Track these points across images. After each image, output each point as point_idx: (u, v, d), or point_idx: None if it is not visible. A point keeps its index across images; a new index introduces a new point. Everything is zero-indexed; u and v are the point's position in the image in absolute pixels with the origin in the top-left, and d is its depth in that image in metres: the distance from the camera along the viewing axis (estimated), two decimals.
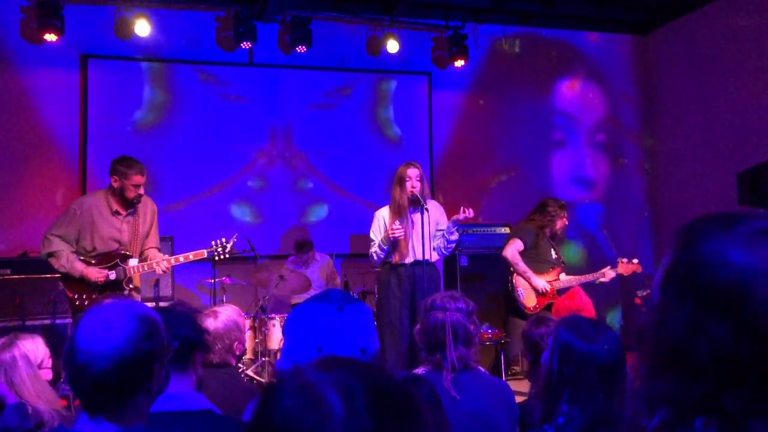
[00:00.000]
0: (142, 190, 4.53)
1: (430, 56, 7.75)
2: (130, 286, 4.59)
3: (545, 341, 2.42)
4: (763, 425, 0.77)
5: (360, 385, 0.72)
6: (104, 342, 1.45)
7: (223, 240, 4.88)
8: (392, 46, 7.42)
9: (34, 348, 2.59)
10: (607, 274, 5.48)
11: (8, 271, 5.73)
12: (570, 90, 8.39)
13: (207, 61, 7.18)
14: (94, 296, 4.41)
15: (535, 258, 5.46)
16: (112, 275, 4.48)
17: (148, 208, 4.72)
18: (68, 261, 4.41)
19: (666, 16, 8.04)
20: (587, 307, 4.93)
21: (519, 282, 5.45)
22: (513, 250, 5.48)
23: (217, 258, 4.90)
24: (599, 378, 1.89)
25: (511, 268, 5.50)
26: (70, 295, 4.45)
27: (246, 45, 6.93)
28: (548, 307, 5.24)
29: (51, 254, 4.45)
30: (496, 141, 8.10)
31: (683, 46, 7.91)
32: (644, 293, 5.80)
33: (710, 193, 7.21)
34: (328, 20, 7.40)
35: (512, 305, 5.61)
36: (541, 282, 5.38)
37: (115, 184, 4.49)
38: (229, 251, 4.88)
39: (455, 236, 4.89)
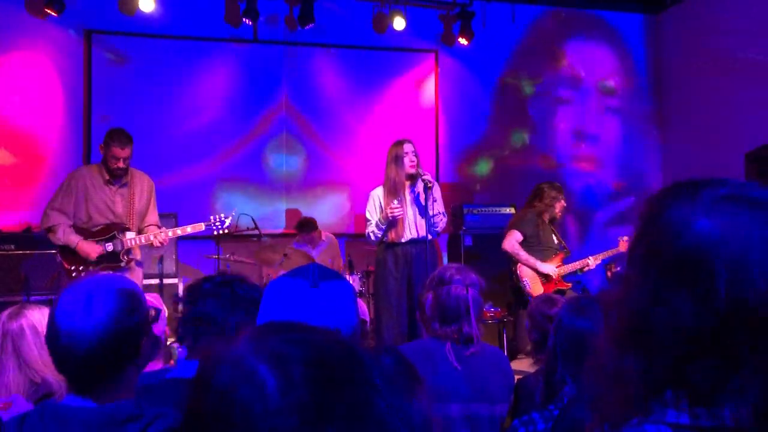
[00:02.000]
0: (122, 164, 4.50)
1: (436, 34, 7.68)
2: (127, 257, 4.59)
3: (553, 321, 2.41)
4: (730, 395, 0.75)
5: (296, 353, 0.66)
6: (87, 321, 1.40)
7: (222, 215, 4.91)
8: (399, 23, 7.34)
9: (42, 318, 2.59)
10: (590, 263, 5.42)
11: (12, 247, 5.74)
12: (581, 65, 8.29)
13: (212, 38, 7.12)
14: (91, 268, 4.43)
15: (536, 246, 5.36)
16: (109, 247, 4.50)
17: (144, 184, 4.73)
18: (64, 234, 4.44)
19: None
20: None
21: (524, 272, 5.35)
22: (512, 241, 5.36)
23: (216, 232, 4.92)
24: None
25: (514, 259, 5.39)
26: (68, 267, 4.47)
27: (250, 21, 6.87)
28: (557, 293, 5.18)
29: (49, 229, 4.48)
30: (503, 117, 8.02)
31: (694, 24, 7.80)
32: (616, 268, 5.69)
33: (718, 173, 7.12)
34: None
35: (520, 297, 5.49)
36: (549, 266, 5.31)
37: (101, 152, 4.55)
38: (227, 226, 4.90)
39: (433, 211, 4.77)
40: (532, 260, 5.30)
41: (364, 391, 0.66)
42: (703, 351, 0.76)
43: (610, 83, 8.41)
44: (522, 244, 5.38)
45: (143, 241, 4.58)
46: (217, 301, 1.88)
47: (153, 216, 4.77)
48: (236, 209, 5.15)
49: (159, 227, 4.75)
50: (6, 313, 2.51)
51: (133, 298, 1.48)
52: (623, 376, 0.81)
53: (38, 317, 2.53)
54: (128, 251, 4.58)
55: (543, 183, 5.67)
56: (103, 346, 1.40)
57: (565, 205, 5.61)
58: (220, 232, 4.94)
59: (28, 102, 6.56)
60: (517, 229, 5.41)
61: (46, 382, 2.42)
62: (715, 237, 0.76)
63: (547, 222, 5.49)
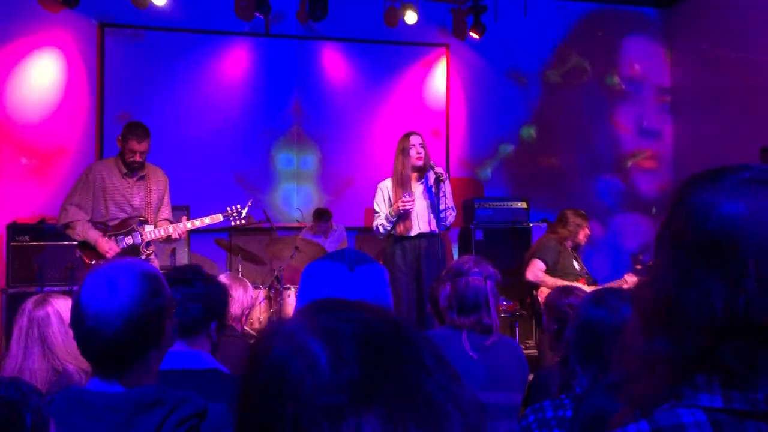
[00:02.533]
0: (138, 158, 4.51)
1: (448, 28, 7.67)
2: (147, 250, 4.61)
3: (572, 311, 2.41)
4: (763, 376, 0.76)
5: (347, 328, 0.66)
6: (112, 304, 1.42)
7: (238, 206, 4.91)
8: (410, 17, 7.33)
9: (66, 307, 2.61)
10: (629, 280, 5.31)
11: (27, 238, 5.78)
12: (590, 61, 8.26)
13: (224, 31, 7.14)
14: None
15: (556, 273, 5.28)
16: (128, 240, 4.52)
17: (160, 178, 4.74)
18: (84, 229, 4.44)
19: None
20: None
21: (545, 295, 5.29)
22: (535, 271, 5.26)
23: (233, 223, 4.92)
24: (604, 347, 1.87)
25: (540, 286, 5.28)
26: (88, 261, 4.48)
27: (262, 15, 6.88)
28: None
29: (67, 225, 4.48)
30: (515, 112, 8.01)
31: (706, 17, 7.75)
32: (643, 257, 5.65)
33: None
34: None
35: (540, 319, 5.40)
36: (576, 285, 5.23)
37: (118, 146, 4.56)
38: (244, 216, 4.91)
39: (442, 205, 4.72)
40: (559, 282, 5.11)
41: (414, 370, 0.66)
42: (735, 332, 0.77)
43: (621, 78, 8.37)
44: (545, 272, 5.30)
45: (162, 233, 4.58)
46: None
47: (166, 211, 4.77)
48: (251, 200, 5.13)
49: (171, 222, 4.76)
50: (31, 300, 2.53)
51: (156, 281, 1.50)
52: (654, 360, 0.82)
53: (63, 305, 2.55)
54: (148, 244, 4.60)
55: (568, 209, 5.59)
56: (128, 327, 1.42)
57: (589, 233, 5.52)
58: (238, 222, 4.94)
59: (43, 96, 6.59)
60: (539, 258, 5.31)
61: (68, 373, 2.44)
62: (741, 218, 0.78)
63: (569, 249, 5.43)
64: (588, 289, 5.13)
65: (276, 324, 0.71)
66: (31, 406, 1.26)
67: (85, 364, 2.60)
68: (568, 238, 5.40)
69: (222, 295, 2.18)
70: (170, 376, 1.79)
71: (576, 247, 5.50)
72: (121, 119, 6.38)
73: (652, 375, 0.82)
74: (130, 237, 4.52)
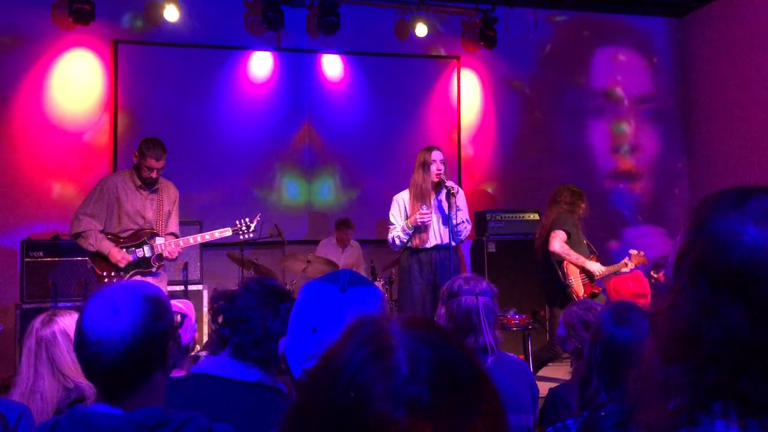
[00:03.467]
0: (155, 174, 4.56)
1: (459, 40, 7.68)
2: (158, 263, 4.63)
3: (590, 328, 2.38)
4: None
5: (427, 350, 0.68)
6: (114, 328, 1.41)
7: (247, 220, 4.94)
8: (421, 29, 7.36)
9: (73, 323, 2.61)
10: (629, 265, 5.32)
11: (41, 254, 5.83)
12: (605, 71, 8.24)
13: (235, 46, 7.19)
14: (122, 274, 4.46)
15: (576, 246, 5.26)
16: (140, 252, 4.54)
17: (171, 192, 4.77)
18: (96, 240, 4.46)
19: None
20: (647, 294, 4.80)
21: (571, 270, 5.25)
22: (559, 242, 5.21)
23: (242, 237, 4.95)
24: (624, 365, 1.84)
25: (564, 259, 5.26)
26: (99, 272, 4.49)
27: (274, 30, 6.93)
28: (591, 297, 5.09)
29: (79, 234, 4.50)
30: (526, 124, 7.99)
31: (719, 28, 7.72)
32: (658, 274, 5.58)
33: (748, 177, 7.05)
34: (356, 4, 7.36)
35: (560, 295, 5.30)
36: (596, 265, 5.22)
37: (134, 160, 4.59)
38: (253, 230, 4.93)
39: (456, 220, 4.72)
40: (582, 259, 5.21)
41: (472, 404, 0.67)
42: (757, 361, 0.75)
43: (637, 91, 8.33)
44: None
45: (173, 246, 4.60)
46: (250, 295, 1.93)
47: (173, 225, 4.78)
48: (260, 214, 5.15)
49: (176, 236, 4.77)
50: (38, 320, 2.54)
51: (158, 303, 1.49)
52: (670, 386, 0.81)
53: (69, 323, 2.55)
54: (159, 256, 4.62)
55: (562, 186, 5.58)
56: (130, 351, 1.41)
57: (585, 207, 5.50)
58: (247, 236, 4.96)
59: (57, 113, 6.66)
60: (560, 229, 5.27)
61: (78, 387, 2.44)
62: (765, 247, 0.75)
63: (578, 223, 5.43)
64: (600, 300, 5.14)
65: (366, 326, 0.72)
66: None
67: None
68: (574, 212, 5.36)
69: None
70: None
71: (582, 218, 5.47)
72: (133, 134, 6.43)
73: (667, 401, 0.81)
74: (141, 249, 4.54)
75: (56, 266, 5.80)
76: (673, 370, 0.80)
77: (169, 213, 4.73)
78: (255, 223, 4.94)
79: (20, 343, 5.25)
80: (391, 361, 0.66)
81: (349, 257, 6.83)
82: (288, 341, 1.38)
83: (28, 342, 2.48)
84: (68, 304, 5.50)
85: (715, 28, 7.80)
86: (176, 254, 4.65)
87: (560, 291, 5.31)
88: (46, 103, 6.63)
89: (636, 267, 5.35)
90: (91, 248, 4.48)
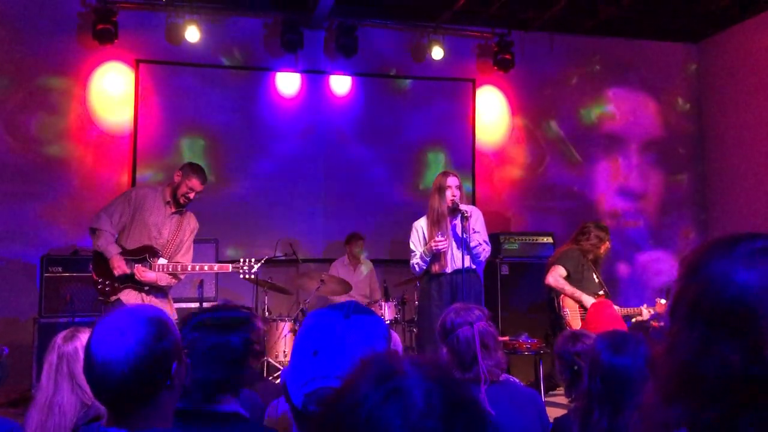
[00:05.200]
0: (192, 196, 4.62)
1: (475, 63, 7.75)
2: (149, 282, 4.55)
3: (582, 358, 2.39)
4: None
5: (442, 390, 0.73)
6: (119, 350, 1.47)
7: (252, 260, 4.83)
8: (437, 52, 7.44)
9: None
10: (644, 312, 5.36)
11: (60, 269, 5.92)
12: (620, 99, 8.26)
13: (254, 67, 7.30)
14: (116, 285, 4.48)
15: (578, 284, 5.34)
16: (131, 266, 4.49)
17: (192, 221, 4.78)
18: (106, 241, 4.49)
19: (718, 24, 7.86)
20: (617, 320, 4.84)
21: (567, 303, 5.34)
22: (555, 276, 5.36)
23: (241, 276, 4.87)
24: (626, 393, 1.86)
25: (560, 293, 5.38)
26: (96, 278, 4.51)
27: (293, 51, 7.04)
28: None
29: (94, 230, 4.54)
30: (541, 149, 8.03)
31: (735, 54, 7.73)
32: (659, 323, 5.63)
33: (762, 203, 7.03)
34: (374, 27, 7.46)
35: (559, 329, 5.45)
36: (593, 300, 5.29)
37: (176, 179, 4.64)
38: (255, 271, 4.83)
39: (474, 242, 4.74)
40: (578, 293, 5.29)
41: None
42: (754, 400, 0.78)
43: (650, 120, 8.35)
44: (565, 279, 5.38)
45: (170, 269, 4.57)
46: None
47: (188, 257, 4.74)
48: (266, 257, 5.05)
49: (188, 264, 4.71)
50: (61, 335, 2.59)
51: (161, 324, 1.54)
52: (671, 426, 0.83)
53: None
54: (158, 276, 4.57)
55: (590, 222, 5.65)
56: (134, 372, 1.46)
57: (609, 246, 5.56)
58: (248, 276, 4.91)
59: (78, 130, 6.80)
60: (560, 265, 5.41)
61: (95, 406, 2.49)
62: (758, 287, 0.80)
63: (590, 261, 5.46)
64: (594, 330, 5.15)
65: (375, 360, 0.77)
66: None
67: None
68: (590, 250, 5.42)
69: None
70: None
71: (596, 261, 5.49)
72: (153, 153, 6.54)
73: None
74: (138, 265, 4.52)
75: (74, 281, 5.89)
76: (674, 409, 0.83)
77: (182, 242, 4.68)
78: (259, 265, 4.84)
79: (38, 356, 5.35)
80: (408, 399, 0.71)
81: (360, 274, 6.88)
82: (289, 368, 1.41)
83: (50, 356, 2.53)
84: (86, 319, 5.57)
85: (730, 54, 7.81)
86: (160, 280, 4.54)
87: (557, 322, 5.40)
88: (70, 120, 6.77)
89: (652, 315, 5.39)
90: (98, 248, 4.50)
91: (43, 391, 2.48)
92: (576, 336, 2.63)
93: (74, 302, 5.76)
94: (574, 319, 5.25)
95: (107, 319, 1.54)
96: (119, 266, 4.45)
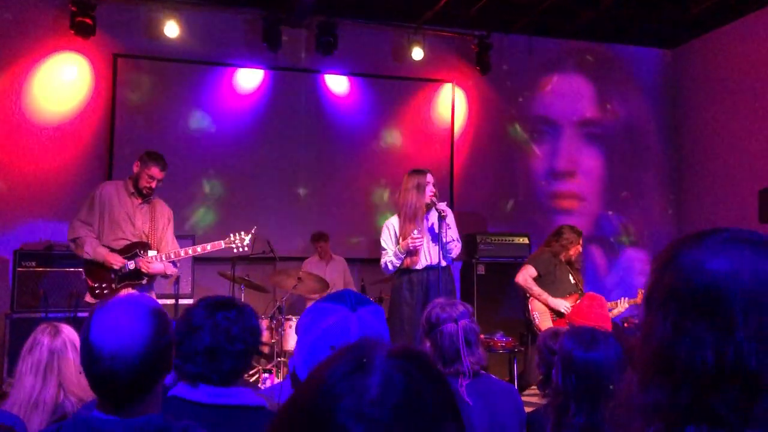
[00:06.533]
0: (154, 185, 4.61)
1: (454, 64, 7.79)
2: (148, 276, 4.62)
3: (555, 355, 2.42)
4: (753, 423, 0.80)
5: (404, 382, 0.73)
6: (128, 343, 1.46)
7: (242, 233, 4.92)
8: (417, 53, 7.47)
9: (76, 335, 2.62)
10: (621, 305, 5.51)
11: (33, 264, 5.85)
12: (597, 101, 8.36)
13: (233, 64, 7.27)
14: (114, 286, 4.46)
15: (551, 284, 5.47)
16: (131, 265, 4.53)
17: (164, 210, 4.80)
18: (91, 247, 4.47)
19: (695, 31, 7.98)
20: (604, 318, 4.92)
21: (535, 306, 5.47)
22: (525, 275, 5.50)
23: (235, 250, 4.91)
24: (602, 387, 1.90)
25: (527, 293, 5.51)
26: (91, 284, 4.49)
27: (273, 48, 7.02)
28: None
29: (74, 240, 4.52)
30: (519, 150, 8.09)
31: (711, 60, 7.86)
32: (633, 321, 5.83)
33: (733, 209, 7.15)
34: (354, 26, 7.47)
35: (531, 331, 5.58)
36: (561, 302, 5.37)
37: (135, 169, 4.63)
38: (247, 244, 4.89)
39: (447, 238, 4.78)
40: (544, 295, 5.41)
41: None
42: (726, 381, 0.81)
43: (627, 120, 8.46)
44: (536, 280, 5.50)
45: (164, 258, 4.61)
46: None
47: (172, 245, 4.78)
48: (255, 227, 5.10)
49: (176, 249, 4.78)
50: (45, 332, 2.52)
51: (163, 317, 1.56)
52: (648, 411, 0.87)
53: (73, 334, 2.57)
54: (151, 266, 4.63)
55: (564, 225, 5.82)
56: (145, 366, 1.46)
57: (581, 250, 5.73)
58: (241, 250, 4.94)
59: (53, 123, 6.72)
60: (531, 265, 5.55)
61: (63, 407, 2.44)
62: (727, 272, 0.84)
63: (563, 262, 5.56)
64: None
65: (354, 348, 0.78)
66: None
67: (88, 396, 2.61)
68: (560, 252, 5.54)
69: None
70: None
71: (570, 263, 5.60)
72: (129, 147, 6.48)
73: (647, 425, 0.87)
74: (132, 262, 4.55)
75: (48, 276, 5.82)
76: (651, 393, 0.86)
77: (164, 230, 4.72)
78: (249, 236, 4.91)
79: (10, 352, 5.26)
80: (365, 381, 0.72)
81: (333, 271, 6.89)
82: (304, 360, 1.44)
83: (38, 352, 2.47)
84: (59, 315, 5.51)
85: (706, 61, 7.94)
86: (167, 269, 4.63)
87: (529, 325, 5.56)
88: (42, 114, 6.69)
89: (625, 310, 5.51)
90: (86, 255, 4.47)
91: (27, 389, 2.43)
92: (556, 333, 2.67)
93: (48, 297, 5.69)
94: (543, 321, 5.34)
95: (107, 309, 1.52)
96: (117, 260, 4.45)
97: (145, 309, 1.52)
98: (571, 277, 5.55)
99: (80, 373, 2.51)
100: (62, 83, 6.76)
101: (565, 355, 1.97)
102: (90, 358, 1.47)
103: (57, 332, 2.50)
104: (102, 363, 1.45)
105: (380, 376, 0.72)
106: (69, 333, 2.54)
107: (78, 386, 2.46)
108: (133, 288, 4.49)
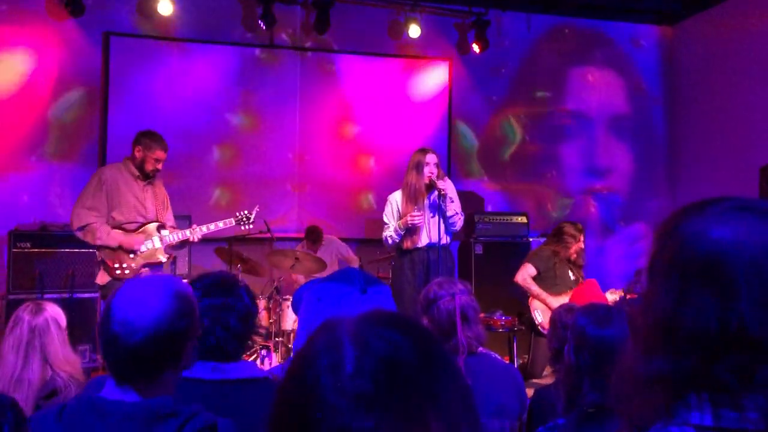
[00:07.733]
0: (160, 166, 4.58)
1: (452, 42, 7.72)
2: (168, 254, 4.65)
3: (567, 331, 2.40)
4: (755, 390, 0.80)
5: (378, 345, 0.71)
6: (141, 315, 1.46)
7: (246, 212, 5.02)
8: (414, 30, 7.39)
9: (60, 313, 2.61)
10: (616, 292, 5.47)
11: (28, 245, 5.79)
12: (593, 79, 8.31)
13: (228, 42, 7.18)
14: (133, 265, 4.40)
15: (551, 281, 5.47)
16: (150, 244, 4.51)
17: (161, 186, 4.79)
18: (104, 233, 4.37)
19: (694, 7, 7.92)
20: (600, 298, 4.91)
21: (535, 304, 5.48)
22: (524, 274, 5.51)
23: (243, 227, 5.06)
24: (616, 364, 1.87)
25: (527, 293, 5.52)
26: (110, 264, 4.37)
27: (267, 26, 6.93)
28: None
29: (83, 228, 4.40)
30: (517, 128, 8.05)
31: (711, 37, 7.81)
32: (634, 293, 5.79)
33: (733, 186, 7.14)
34: (350, 3, 7.37)
35: (534, 328, 5.57)
36: (558, 301, 5.36)
37: (138, 154, 4.53)
38: (253, 221, 5.03)
39: (451, 212, 4.79)
40: (543, 295, 5.42)
41: (423, 403, 0.70)
42: (729, 348, 0.81)
43: (622, 101, 8.42)
44: (536, 278, 5.50)
45: (180, 237, 4.60)
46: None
47: (171, 217, 4.83)
48: (258, 205, 5.20)
49: (176, 228, 4.77)
50: (26, 309, 2.52)
51: (187, 302, 1.53)
52: (651, 380, 0.86)
53: (57, 311, 2.56)
54: (169, 247, 4.64)
55: (565, 222, 5.79)
56: (150, 341, 1.45)
57: (582, 246, 5.66)
58: (248, 227, 5.07)
59: (46, 103, 6.62)
60: (530, 263, 5.54)
61: (54, 382, 2.43)
62: (730, 241, 0.84)
63: (564, 260, 5.54)
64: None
65: (332, 323, 0.76)
66: (9, 418, 1.37)
67: (78, 372, 2.59)
68: (560, 250, 5.53)
69: None
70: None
71: (570, 259, 5.58)
72: (123, 126, 6.40)
73: (649, 394, 0.86)
74: (150, 241, 4.52)
75: (43, 257, 5.77)
76: (654, 362, 0.86)
77: (165, 206, 4.73)
78: (254, 214, 5.03)
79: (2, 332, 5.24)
80: (340, 356, 0.70)
81: (325, 251, 6.85)
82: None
83: (18, 330, 2.47)
84: (55, 296, 5.48)
85: (706, 37, 7.89)
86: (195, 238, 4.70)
87: (532, 322, 5.57)
88: (34, 91, 6.59)
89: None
90: (99, 242, 4.37)
91: (9, 366, 2.42)
92: (572, 308, 2.65)
93: (43, 278, 5.64)
94: (546, 317, 5.32)
95: (136, 281, 1.57)
96: (137, 242, 4.43)
97: (171, 289, 1.52)
98: (571, 274, 5.53)
99: (64, 349, 2.51)
100: (55, 64, 6.65)
101: (578, 332, 1.94)
102: (105, 319, 1.49)
103: (39, 310, 2.48)
104: (112, 326, 1.46)
105: (353, 348, 0.71)
106: (53, 310, 2.53)
107: (65, 362, 2.45)
108: (151, 269, 4.47)
